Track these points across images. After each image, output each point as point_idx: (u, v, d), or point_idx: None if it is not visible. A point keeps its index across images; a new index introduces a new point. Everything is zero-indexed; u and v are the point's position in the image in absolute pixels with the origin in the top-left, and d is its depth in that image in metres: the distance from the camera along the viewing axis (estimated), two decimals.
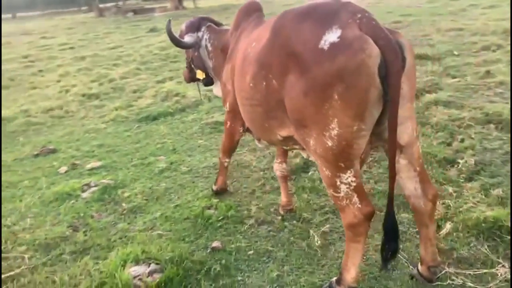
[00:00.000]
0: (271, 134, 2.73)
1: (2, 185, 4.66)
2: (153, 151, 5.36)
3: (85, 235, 3.55)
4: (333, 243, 3.23)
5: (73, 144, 5.86)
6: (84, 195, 4.27)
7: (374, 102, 2.08)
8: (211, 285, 2.88)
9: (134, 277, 2.87)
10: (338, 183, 2.26)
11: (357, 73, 1.99)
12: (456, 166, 4.13)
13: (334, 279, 2.69)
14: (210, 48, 3.80)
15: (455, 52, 8.34)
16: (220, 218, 3.65)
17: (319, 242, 3.23)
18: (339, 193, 2.29)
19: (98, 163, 5.07)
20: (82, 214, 3.89)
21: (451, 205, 3.46)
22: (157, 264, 2.99)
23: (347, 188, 2.26)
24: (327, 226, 3.42)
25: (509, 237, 2.98)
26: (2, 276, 3.08)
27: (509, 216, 3.11)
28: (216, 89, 4.03)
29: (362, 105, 2.06)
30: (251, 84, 2.60)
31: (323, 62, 2.05)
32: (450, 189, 3.72)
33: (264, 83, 2.46)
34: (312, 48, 2.10)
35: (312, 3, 2.29)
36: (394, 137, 2.11)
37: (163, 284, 2.82)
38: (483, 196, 3.54)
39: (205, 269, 3.00)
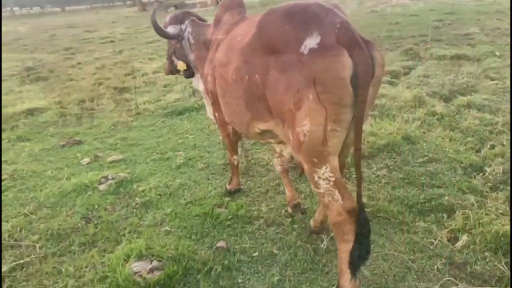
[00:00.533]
0: (249, 127, 2.84)
1: (26, 174, 4.80)
2: (174, 146, 5.38)
3: (96, 227, 3.59)
4: None
5: (99, 136, 5.98)
6: (101, 187, 4.31)
7: (348, 107, 2.18)
8: (210, 285, 2.84)
9: (135, 273, 2.87)
10: (316, 178, 2.34)
11: (331, 80, 2.13)
12: (482, 174, 3.91)
13: (334, 287, 2.60)
14: (192, 41, 3.85)
15: (497, 53, 7.94)
16: (229, 217, 3.60)
17: (326, 246, 3.13)
18: (319, 188, 2.36)
19: (119, 156, 5.14)
20: (96, 206, 3.93)
21: (471, 216, 3.26)
22: (159, 261, 2.98)
23: (326, 183, 2.32)
24: None
25: None
26: (13, 263, 3.15)
27: None
28: (196, 82, 4.07)
29: (335, 108, 2.18)
30: (233, 77, 2.74)
31: (302, 65, 2.21)
32: (472, 199, 3.51)
33: (247, 77, 2.60)
34: (294, 50, 2.23)
35: (297, 4, 2.33)
36: (359, 139, 2.25)
37: (162, 282, 2.81)
38: (507, 208, 3.32)
39: (206, 269, 2.97)
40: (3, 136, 6.12)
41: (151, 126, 6.31)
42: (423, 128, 5.66)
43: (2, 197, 4.23)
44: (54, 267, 3.09)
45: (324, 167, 2.30)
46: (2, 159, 5.26)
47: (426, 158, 4.40)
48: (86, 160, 5.12)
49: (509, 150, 4.22)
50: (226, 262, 3.04)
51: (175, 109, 6.84)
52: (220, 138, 5.49)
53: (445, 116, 5.27)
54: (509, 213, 3.24)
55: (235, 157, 3.90)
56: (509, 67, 6.98)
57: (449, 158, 4.25)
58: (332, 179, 2.31)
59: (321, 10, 2.25)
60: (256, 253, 3.14)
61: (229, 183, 4.08)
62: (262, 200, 3.90)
